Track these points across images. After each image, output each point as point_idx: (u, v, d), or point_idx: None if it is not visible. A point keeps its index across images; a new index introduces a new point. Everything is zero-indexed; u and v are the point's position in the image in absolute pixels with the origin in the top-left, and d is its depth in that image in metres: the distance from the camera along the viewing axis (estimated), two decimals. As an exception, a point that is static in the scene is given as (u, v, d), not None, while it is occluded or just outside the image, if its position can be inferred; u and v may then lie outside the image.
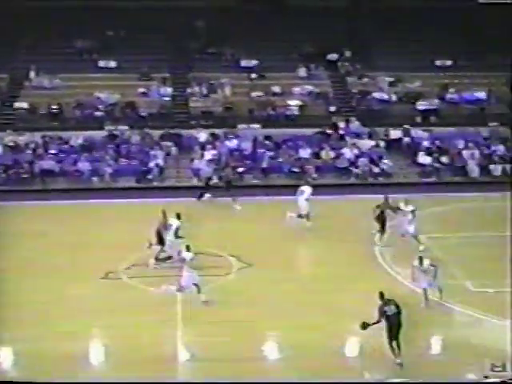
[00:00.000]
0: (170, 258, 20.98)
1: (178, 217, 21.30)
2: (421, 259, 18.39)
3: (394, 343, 15.74)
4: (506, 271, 20.71)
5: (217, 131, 32.56)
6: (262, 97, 34.09)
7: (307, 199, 24.62)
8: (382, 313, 15.62)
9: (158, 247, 21.22)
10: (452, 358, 16.04)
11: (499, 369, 14.03)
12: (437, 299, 18.63)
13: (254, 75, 34.82)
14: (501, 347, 16.46)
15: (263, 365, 16.07)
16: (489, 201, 27.70)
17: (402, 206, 22.80)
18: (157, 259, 21.12)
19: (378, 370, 15.41)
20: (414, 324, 17.17)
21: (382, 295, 15.94)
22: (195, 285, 18.47)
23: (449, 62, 36.28)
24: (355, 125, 33.18)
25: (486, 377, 12.89)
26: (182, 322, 17.66)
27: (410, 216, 22.37)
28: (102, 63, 34.86)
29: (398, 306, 15.80)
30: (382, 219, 22.78)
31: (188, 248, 19.03)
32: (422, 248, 21.90)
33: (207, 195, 27.66)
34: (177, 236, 20.97)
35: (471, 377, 14.70)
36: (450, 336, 17.18)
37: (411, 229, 22.39)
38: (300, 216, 24.29)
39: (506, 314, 18.02)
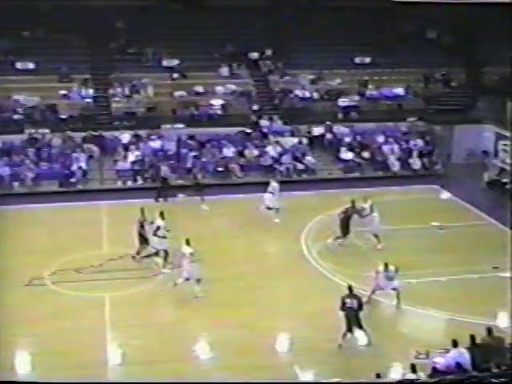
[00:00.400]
0: (156, 254, 21.11)
1: (162, 216, 21.22)
2: (386, 265, 18.67)
3: (349, 335, 16.39)
4: (428, 262, 21.43)
5: (140, 132, 32.23)
6: (184, 96, 33.94)
7: (274, 193, 25.29)
8: (342, 304, 16.38)
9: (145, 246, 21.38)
10: (379, 349, 16.44)
11: (423, 356, 14.50)
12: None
13: (176, 75, 34.60)
14: (424, 336, 17.03)
15: (194, 365, 16.08)
16: (409, 194, 28.50)
17: (362, 205, 22.69)
18: (138, 254, 21.23)
19: (309, 364, 15.63)
20: (338, 316, 17.54)
21: (350, 288, 16.67)
22: (197, 279, 18.94)
23: (367, 60, 36.94)
24: (277, 123, 33.43)
25: (413, 365, 13.24)
26: (111, 325, 17.50)
27: (374, 213, 22.41)
28: (19, 65, 33.93)
29: (360, 304, 16.36)
30: (346, 224, 22.50)
31: (188, 242, 19.32)
32: (379, 247, 22.16)
33: (180, 195, 27.27)
34: (155, 235, 20.94)
35: (397, 366, 15.10)
36: (376, 327, 17.58)
37: (374, 226, 22.40)
38: (269, 208, 25.00)
39: (428, 304, 18.63)
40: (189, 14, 36.55)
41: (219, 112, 33.54)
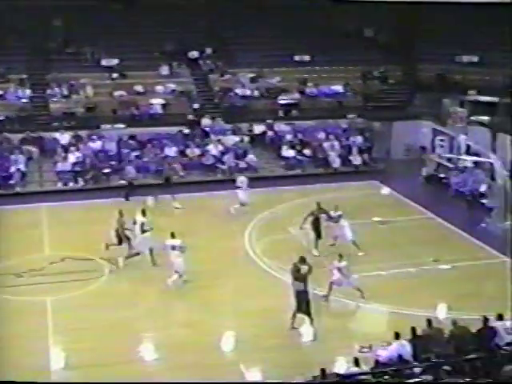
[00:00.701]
0: (138, 254, 20.95)
1: (143, 213, 21.36)
2: (341, 256, 18.87)
3: (306, 318, 16.93)
4: (369, 257, 21.74)
5: (80, 132, 31.76)
6: (124, 96, 33.60)
7: (241, 187, 25.48)
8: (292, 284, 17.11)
9: (124, 246, 21.24)
10: (323, 344, 16.62)
11: (366, 350, 14.72)
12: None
13: (115, 75, 34.23)
14: (367, 329, 17.28)
15: (139, 366, 15.94)
16: (350, 190, 28.86)
17: (331, 213, 22.45)
18: (126, 258, 20.97)
19: (254, 362, 15.69)
20: (284, 313, 17.67)
21: (298, 270, 17.15)
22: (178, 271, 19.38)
23: (307, 58, 37.21)
24: (219, 122, 33.34)
25: (356, 359, 13.44)
26: (53, 329, 17.22)
27: (342, 222, 22.19)
28: (-47, 65, 33.09)
29: (306, 289, 16.86)
30: (316, 226, 22.19)
31: (173, 235, 19.74)
32: (360, 254, 21.94)
33: (150, 200, 26.53)
34: (143, 231, 20.99)
35: (341, 360, 15.28)
36: (320, 322, 17.75)
37: (349, 235, 22.10)
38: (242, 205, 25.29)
39: (371, 298, 18.91)
40: (128, 12, 36.23)
41: (160, 111, 33.33)
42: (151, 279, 19.97)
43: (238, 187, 25.75)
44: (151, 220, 21.65)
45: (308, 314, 16.95)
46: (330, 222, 22.38)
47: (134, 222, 21.30)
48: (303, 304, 16.96)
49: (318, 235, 22.24)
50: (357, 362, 13.29)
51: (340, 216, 22.20)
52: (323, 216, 22.27)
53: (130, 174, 28.65)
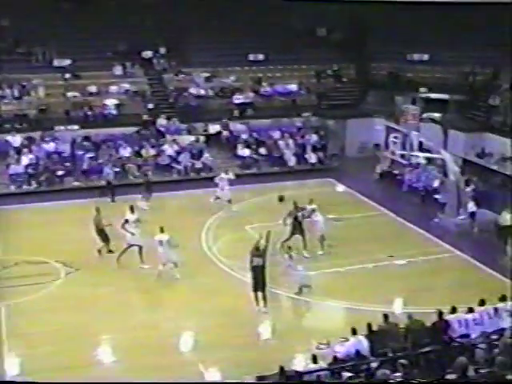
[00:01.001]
0: (130, 246, 21.10)
1: (132, 210, 21.65)
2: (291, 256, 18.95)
3: (260, 294, 17.58)
4: (325, 254, 21.91)
5: (32, 134, 31.29)
6: (77, 97, 33.21)
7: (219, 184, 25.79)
8: (250, 261, 17.71)
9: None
10: (282, 342, 16.71)
11: (324, 346, 14.84)
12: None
13: (68, 75, 33.79)
14: (325, 326, 17.43)
15: (97, 370, 15.80)
16: (306, 188, 29.03)
17: (307, 207, 22.51)
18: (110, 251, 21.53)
19: (213, 361, 15.70)
20: (242, 312, 17.73)
21: (257, 248, 17.71)
22: (174, 263, 19.95)
23: (261, 57, 37.33)
24: (175, 123, 33.14)
25: (314, 356, 13.54)
26: (8, 335, 16.94)
27: (314, 216, 22.23)
28: None
29: (264, 265, 17.53)
30: (297, 226, 21.99)
31: (162, 230, 20.10)
32: (321, 253, 22.13)
33: (143, 206, 26.22)
34: (137, 227, 21.29)
35: (299, 357, 15.39)
36: (279, 321, 17.86)
37: (319, 230, 22.15)
38: (229, 201, 25.75)
39: (328, 295, 19.09)
40: (80, 12, 35.74)
41: (114, 112, 33.04)
42: (108, 281, 19.81)
43: (217, 184, 26.07)
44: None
45: (263, 290, 17.74)
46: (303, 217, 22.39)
47: (126, 221, 21.19)
48: (260, 280, 17.62)
49: (302, 234, 22.06)
50: (315, 359, 13.39)
51: (314, 210, 22.31)
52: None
53: (109, 175, 28.43)
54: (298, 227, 21.91)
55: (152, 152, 31.46)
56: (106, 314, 18.11)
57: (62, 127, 31.66)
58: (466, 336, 14.74)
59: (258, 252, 17.80)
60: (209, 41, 36.30)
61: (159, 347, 16.32)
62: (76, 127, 31.77)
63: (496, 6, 35.14)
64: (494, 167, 30.02)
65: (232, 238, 23.31)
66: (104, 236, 21.70)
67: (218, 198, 25.97)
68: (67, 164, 30.06)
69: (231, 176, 26.67)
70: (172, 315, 18.08)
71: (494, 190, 27.27)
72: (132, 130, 32.56)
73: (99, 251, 21.57)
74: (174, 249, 20.00)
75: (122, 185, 28.64)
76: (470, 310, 15.20)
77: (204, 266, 21.49)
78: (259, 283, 17.81)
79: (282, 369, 12.69)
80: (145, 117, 33.01)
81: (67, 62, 34.18)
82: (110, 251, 21.73)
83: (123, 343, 16.70)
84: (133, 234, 20.95)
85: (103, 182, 28.54)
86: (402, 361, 12.19)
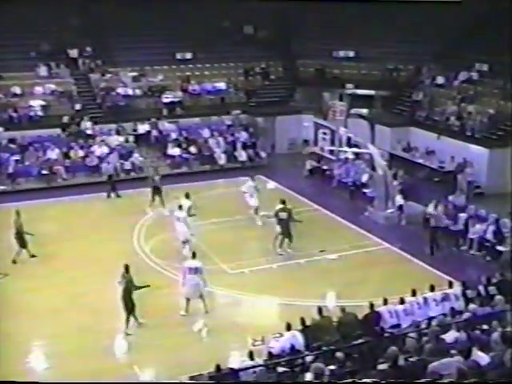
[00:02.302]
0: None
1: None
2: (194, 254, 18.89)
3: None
4: (258, 250, 22.05)
5: (-45, 138, 30.38)
6: (1, 98, 32.33)
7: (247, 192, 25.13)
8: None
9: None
10: (217, 340, 16.72)
11: (259, 342, 14.90)
12: None
13: (-11, 76, 32.90)
14: (259, 323, 17.53)
15: (30, 378, 15.42)
16: (237, 186, 29.07)
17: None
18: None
19: (148, 362, 15.59)
20: (175, 312, 17.67)
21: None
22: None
23: (189, 55, 37.19)
24: (95, 126, 32.58)
25: (251, 352, 13.61)
26: None
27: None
28: None
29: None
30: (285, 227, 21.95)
31: (180, 207, 21.55)
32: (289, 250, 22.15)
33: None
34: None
35: (235, 355, 15.44)
36: (213, 319, 17.85)
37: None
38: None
39: (262, 291, 19.20)
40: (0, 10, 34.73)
41: (40, 113, 32.30)
42: (37, 287, 19.35)
43: (245, 192, 25.04)
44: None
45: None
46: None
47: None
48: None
49: (289, 235, 22.10)
50: (251, 356, 13.46)
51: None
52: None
53: (109, 171, 28.52)
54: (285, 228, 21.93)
55: (80, 153, 30.92)
56: (36, 319, 17.72)
57: (-14, 130, 30.79)
58: (397, 326, 15.10)
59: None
60: (135, 40, 35.94)
61: (92, 351, 16.09)
62: (0, 129, 30.91)
63: (418, 4, 36.20)
64: (420, 161, 30.79)
65: (164, 238, 23.14)
66: (22, 241, 21.19)
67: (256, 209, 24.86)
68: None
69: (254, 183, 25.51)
70: (105, 318, 17.83)
71: (420, 183, 28.00)
72: (59, 131, 31.89)
73: (14, 261, 21.04)
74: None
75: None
76: (402, 301, 15.57)
77: (136, 266, 21.21)
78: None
79: (218, 367, 12.71)
80: (65, 118, 32.19)
81: (-12, 62, 33.20)
82: (33, 256, 21.31)
83: (55, 349, 16.39)
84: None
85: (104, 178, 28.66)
86: (338, 354, 12.39)
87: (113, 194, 27.95)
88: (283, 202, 22.41)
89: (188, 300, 18.14)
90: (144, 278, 20.13)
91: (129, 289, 17.27)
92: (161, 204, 25.86)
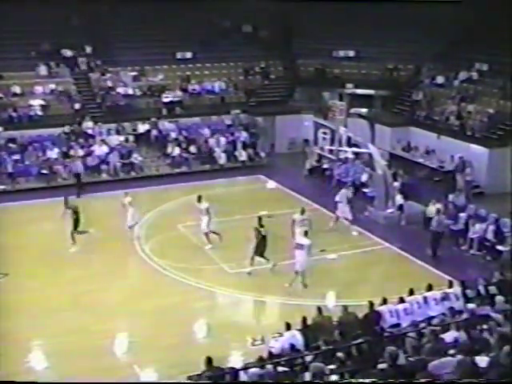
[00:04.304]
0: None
1: (200, 199, 22.76)
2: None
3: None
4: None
5: (-46, 137, 30.36)
6: (1, 98, 32.33)
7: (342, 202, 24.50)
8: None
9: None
10: (217, 339, 16.73)
11: (259, 342, 14.92)
12: None
13: (-11, 76, 32.87)
14: (259, 322, 17.57)
15: (29, 378, 15.42)
16: (237, 185, 29.15)
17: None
18: None
19: (148, 362, 15.61)
20: (176, 312, 17.68)
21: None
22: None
23: (189, 55, 37.19)
24: (98, 126, 32.57)
25: (261, 357, 13.60)
26: None
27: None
28: None
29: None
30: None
31: (199, 199, 22.59)
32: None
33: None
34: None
35: (235, 354, 15.45)
36: (212, 318, 17.88)
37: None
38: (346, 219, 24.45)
39: (262, 291, 19.21)
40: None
41: (40, 113, 32.30)
42: (36, 287, 19.35)
43: (339, 202, 24.49)
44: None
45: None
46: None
47: (199, 199, 22.61)
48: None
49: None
50: (261, 360, 13.43)
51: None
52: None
53: (78, 169, 28.59)
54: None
55: (81, 153, 30.92)
56: (34, 319, 17.70)
57: (-15, 129, 30.77)
58: (397, 325, 15.12)
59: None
60: (135, 39, 35.96)
61: (92, 351, 16.07)
62: (0, 129, 30.91)
63: (418, 3, 36.20)
64: (420, 160, 30.81)
65: (164, 238, 23.16)
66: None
67: (346, 219, 24.25)
68: (-9, 167, 29.28)
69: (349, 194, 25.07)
70: (104, 317, 17.84)
71: (420, 183, 28.02)
72: (59, 130, 31.88)
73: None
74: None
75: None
76: (401, 300, 15.58)
77: (136, 266, 21.33)
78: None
79: (209, 359, 12.70)
80: (66, 128, 31.93)
81: (-12, 62, 33.18)
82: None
83: (54, 348, 16.37)
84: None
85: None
86: (339, 353, 12.40)
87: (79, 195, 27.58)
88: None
89: (296, 273, 19.23)
90: (142, 278, 20.26)
91: None
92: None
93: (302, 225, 21.22)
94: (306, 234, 19.99)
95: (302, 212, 22.10)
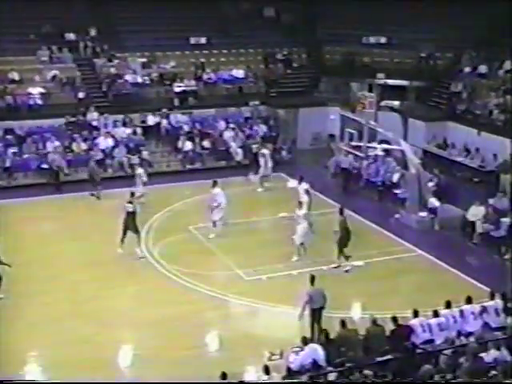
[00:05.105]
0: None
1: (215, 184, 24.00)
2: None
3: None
4: (275, 257, 21.97)
5: None
6: (-3, 85, 32.60)
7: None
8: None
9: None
10: (230, 353, 16.70)
11: (277, 357, 14.88)
12: None
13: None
14: (277, 335, 17.49)
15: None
16: (254, 184, 29.08)
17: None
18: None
19: (154, 375, 15.61)
20: (186, 322, 17.68)
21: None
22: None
23: (203, 40, 37.21)
24: (104, 117, 32.68)
25: (267, 367, 13.57)
26: None
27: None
28: None
29: None
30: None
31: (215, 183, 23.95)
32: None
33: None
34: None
35: (251, 370, 15.42)
36: (226, 330, 17.86)
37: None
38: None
39: (280, 301, 19.15)
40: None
41: (40, 102, 32.47)
42: (34, 293, 19.41)
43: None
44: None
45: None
46: None
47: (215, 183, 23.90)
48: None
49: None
50: (267, 370, 13.42)
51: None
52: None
53: (55, 162, 28.80)
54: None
55: (84, 146, 31.04)
56: (34, 327, 17.80)
57: (-19, 119, 31.03)
58: (430, 342, 14.99)
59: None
60: (145, 22, 36.07)
61: (94, 363, 16.10)
62: (-4, 119, 31.17)
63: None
64: (458, 159, 30.59)
65: (174, 240, 23.19)
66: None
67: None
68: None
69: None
70: (108, 327, 17.89)
71: (458, 184, 27.81)
72: (61, 121, 32.05)
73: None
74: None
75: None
76: (435, 314, 15.44)
77: (143, 271, 21.34)
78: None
79: (224, 374, 12.69)
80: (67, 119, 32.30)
81: (-16, 45, 33.42)
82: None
83: (53, 360, 16.43)
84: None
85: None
86: (367, 371, 12.32)
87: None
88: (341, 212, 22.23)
89: (301, 244, 21.35)
90: (150, 284, 20.27)
91: None
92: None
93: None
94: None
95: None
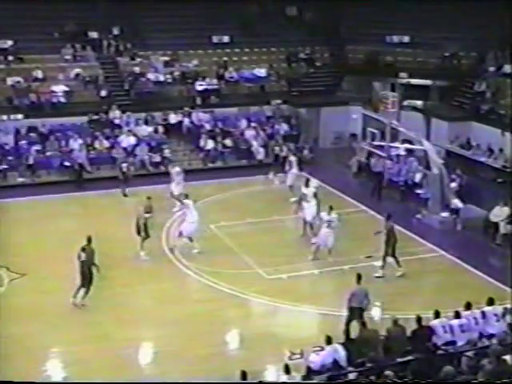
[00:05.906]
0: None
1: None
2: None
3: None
4: (298, 255, 21.94)
5: (-29, 125, 30.89)
6: (21, 83, 32.74)
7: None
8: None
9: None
10: (251, 351, 16.69)
11: (297, 356, 14.83)
12: None
13: (10, 58, 33.26)
14: (298, 334, 17.46)
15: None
16: (276, 183, 29.07)
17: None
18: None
19: (175, 374, 15.64)
20: (207, 320, 17.69)
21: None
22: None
23: (226, 39, 37.20)
24: (126, 115, 32.78)
25: (287, 366, 13.54)
26: None
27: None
28: None
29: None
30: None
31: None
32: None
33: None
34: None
35: (271, 369, 15.40)
36: (247, 328, 17.85)
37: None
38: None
39: (301, 300, 19.12)
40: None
41: (63, 100, 32.64)
42: (55, 289, 19.51)
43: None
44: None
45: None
46: None
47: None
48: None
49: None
50: (287, 370, 13.39)
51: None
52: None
53: (79, 159, 28.96)
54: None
55: (106, 144, 31.18)
56: (55, 324, 17.88)
57: (4, 116, 31.22)
58: (452, 343, 14.88)
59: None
60: (168, 21, 36.13)
61: (115, 360, 16.17)
62: (20, 116, 31.37)
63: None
64: (481, 159, 30.37)
65: (195, 239, 23.19)
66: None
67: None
68: (10, 158, 29.66)
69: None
70: (129, 325, 17.93)
71: (481, 184, 27.60)
72: (83, 119, 32.21)
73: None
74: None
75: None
76: (457, 315, 15.33)
77: (164, 269, 21.37)
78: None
79: (243, 373, 12.67)
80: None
81: (9, 43, 33.64)
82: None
83: (74, 357, 16.50)
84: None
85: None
86: (388, 372, 12.24)
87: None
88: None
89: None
90: (171, 282, 20.32)
91: (90, 262, 18.64)
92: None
93: (328, 225, 21.56)
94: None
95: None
